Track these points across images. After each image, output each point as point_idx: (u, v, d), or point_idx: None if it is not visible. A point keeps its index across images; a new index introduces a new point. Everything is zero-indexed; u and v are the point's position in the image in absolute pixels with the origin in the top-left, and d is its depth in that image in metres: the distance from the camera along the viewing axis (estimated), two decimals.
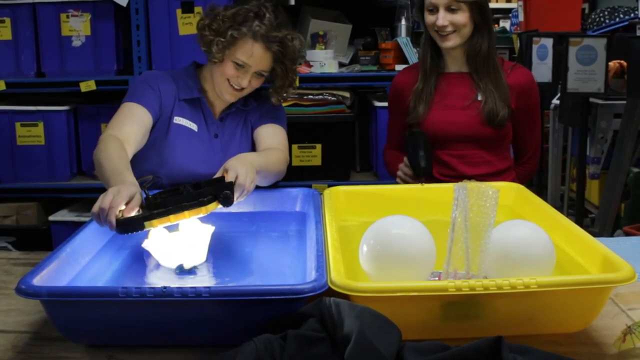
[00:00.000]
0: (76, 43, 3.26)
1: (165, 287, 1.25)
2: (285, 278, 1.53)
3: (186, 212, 1.53)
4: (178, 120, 2.05)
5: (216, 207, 1.57)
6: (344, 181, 3.38)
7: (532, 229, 1.43)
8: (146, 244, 1.58)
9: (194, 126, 2.07)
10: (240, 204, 1.92)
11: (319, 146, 3.35)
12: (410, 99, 2.27)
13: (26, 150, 3.33)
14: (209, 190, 1.56)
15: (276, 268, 1.60)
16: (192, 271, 1.55)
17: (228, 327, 1.30)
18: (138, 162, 1.94)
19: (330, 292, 1.26)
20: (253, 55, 1.95)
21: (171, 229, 1.61)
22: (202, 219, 1.64)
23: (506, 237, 1.41)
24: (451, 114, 2.22)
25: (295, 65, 2.06)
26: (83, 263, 1.58)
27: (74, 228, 1.68)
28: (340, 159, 3.39)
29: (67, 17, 3.24)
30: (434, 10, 2.16)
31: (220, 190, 1.56)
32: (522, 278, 1.26)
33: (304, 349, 1.15)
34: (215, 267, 1.60)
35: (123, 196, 1.50)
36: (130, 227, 1.49)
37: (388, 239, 1.39)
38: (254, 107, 2.14)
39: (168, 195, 1.63)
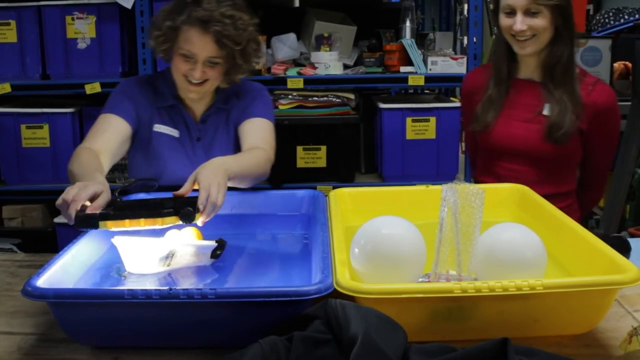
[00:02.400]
0: (81, 45, 3.27)
1: (171, 289, 1.25)
2: (290, 280, 1.53)
3: (142, 220, 1.52)
4: (158, 128, 2.04)
5: (175, 222, 1.54)
6: (349, 183, 3.38)
7: (523, 232, 1.42)
8: (116, 241, 1.57)
9: (175, 132, 2.06)
10: (245, 207, 1.93)
11: (323, 148, 3.35)
12: (479, 104, 2.14)
13: (31, 153, 3.34)
14: (172, 203, 1.54)
15: (282, 270, 1.61)
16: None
17: (234, 328, 1.30)
18: (135, 175, 1.95)
19: (335, 294, 1.26)
20: (193, 42, 1.89)
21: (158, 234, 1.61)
22: (204, 232, 1.68)
23: (497, 239, 1.40)
24: (513, 125, 2.08)
25: (242, 46, 1.93)
26: (88, 264, 1.58)
27: (79, 230, 1.68)
28: (345, 160, 3.39)
29: (72, 19, 3.25)
30: (512, 12, 1.99)
31: (182, 206, 1.53)
32: (527, 280, 1.25)
33: (309, 350, 1.15)
34: (221, 269, 1.60)
35: (88, 192, 1.50)
36: (85, 223, 1.50)
37: (378, 239, 1.39)
38: (235, 103, 2.10)
39: (138, 202, 1.63)
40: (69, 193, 1.49)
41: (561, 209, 2.05)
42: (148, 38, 2.01)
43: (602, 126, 2.07)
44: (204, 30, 1.89)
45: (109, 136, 1.93)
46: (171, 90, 2.05)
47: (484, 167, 2.20)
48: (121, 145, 1.96)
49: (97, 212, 1.50)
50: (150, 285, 1.51)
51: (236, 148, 2.09)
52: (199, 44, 1.90)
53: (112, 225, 1.51)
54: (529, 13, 1.97)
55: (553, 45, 2.02)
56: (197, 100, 2.06)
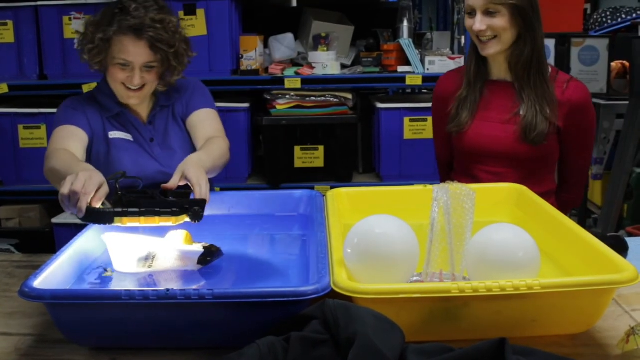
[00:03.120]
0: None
1: (168, 290, 1.25)
2: (288, 280, 1.53)
3: (157, 218, 1.53)
4: (113, 134, 2.05)
5: (184, 220, 1.56)
6: (347, 183, 3.38)
7: (516, 233, 1.41)
8: (106, 237, 1.57)
9: (129, 136, 2.07)
10: (243, 207, 1.93)
11: (321, 148, 3.35)
12: (452, 105, 2.14)
13: (29, 153, 3.33)
14: (182, 202, 1.56)
15: (279, 270, 1.60)
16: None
17: (231, 329, 1.30)
18: None
19: (333, 294, 1.26)
20: (129, 50, 1.91)
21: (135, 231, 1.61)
22: (202, 232, 1.69)
23: (489, 240, 1.39)
24: (489, 127, 2.08)
25: (175, 48, 1.96)
26: (86, 265, 1.58)
27: (77, 230, 1.68)
28: (342, 160, 3.39)
29: (70, 19, 3.24)
30: (472, 13, 2.01)
31: (192, 205, 1.55)
32: (525, 280, 1.26)
33: (307, 351, 1.15)
34: (218, 269, 1.60)
35: (94, 183, 1.49)
36: (100, 219, 1.49)
37: (371, 237, 1.38)
38: (176, 98, 2.13)
39: (139, 196, 1.62)
40: (77, 185, 1.47)
41: None
42: (80, 53, 2.01)
43: (578, 123, 2.07)
44: (138, 38, 1.90)
45: (75, 142, 1.93)
46: (113, 99, 2.06)
47: (462, 170, 2.19)
48: (84, 153, 1.96)
49: (111, 208, 1.50)
50: (130, 285, 1.52)
51: (189, 140, 2.12)
52: (134, 52, 1.91)
53: (127, 221, 1.51)
54: (488, 13, 1.98)
55: (515, 44, 2.02)
56: (140, 104, 2.08)
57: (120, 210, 1.50)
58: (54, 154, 1.83)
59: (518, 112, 2.05)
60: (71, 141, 1.93)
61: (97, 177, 1.52)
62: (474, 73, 2.11)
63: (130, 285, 1.51)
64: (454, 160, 2.27)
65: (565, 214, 2.12)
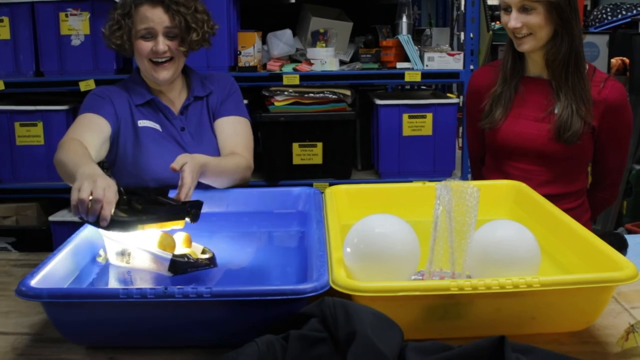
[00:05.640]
0: (75, 42, 3.25)
1: (166, 288, 1.24)
2: (287, 278, 1.53)
3: (169, 223, 1.56)
4: (142, 122, 2.06)
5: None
6: (345, 179, 3.37)
7: (517, 229, 1.41)
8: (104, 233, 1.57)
9: (157, 126, 2.08)
10: (241, 204, 1.93)
11: (320, 144, 3.34)
12: (486, 101, 2.12)
13: (26, 150, 3.32)
14: (186, 204, 1.61)
15: (278, 268, 1.60)
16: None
17: (229, 327, 1.29)
18: (116, 178, 1.96)
19: (331, 292, 1.25)
20: (147, 17, 1.99)
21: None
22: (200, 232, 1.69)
23: (490, 237, 1.39)
24: (522, 124, 2.06)
25: (191, 9, 2.02)
26: (83, 264, 1.58)
27: (74, 228, 1.67)
28: (341, 157, 3.38)
29: (66, 16, 3.23)
30: (508, 9, 1.99)
31: (192, 207, 1.60)
32: (524, 277, 1.25)
33: (306, 349, 1.14)
34: (217, 267, 1.59)
35: (114, 191, 1.49)
36: (123, 227, 1.49)
37: (371, 237, 1.38)
38: (211, 90, 2.16)
39: (144, 199, 1.62)
40: (97, 192, 1.45)
41: (573, 208, 2.05)
42: (103, 34, 2.09)
43: (613, 123, 2.05)
44: (154, 4, 1.99)
45: (92, 133, 1.94)
46: (145, 87, 2.10)
47: (493, 166, 2.18)
48: (103, 144, 1.97)
49: (133, 217, 1.51)
50: (112, 277, 1.53)
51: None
52: (153, 17, 1.99)
53: (147, 228, 1.52)
54: (523, 10, 1.96)
55: (551, 41, 2.00)
56: (171, 89, 2.11)
57: (143, 217, 1.51)
58: (66, 143, 1.82)
59: (553, 110, 2.03)
60: (88, 132, 1.93)
61: (114, 185, 1.51)
62: (510, 69, 2.09)
63: (114, 279, 1.53)
64: (485, 155, 2.26)
65: (598, 213, 2.11)
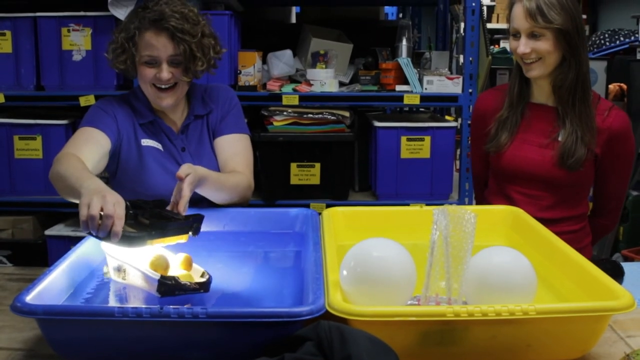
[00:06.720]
0: (76, 57, 3.27)
1: (162, 308, 1.24)
2: (282, 300, 1.52)
3: (176, 237, 1.57)
4: (146, 142, 2.06)
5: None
6: (343, 201, 3.38)
7: (513, 256, 1.41)
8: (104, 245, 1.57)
9: (159, 146, 2.07)
10: (238, 224, 1.93)
11: (318, 165, 3.35)
12: (492, 125, 2.14)
13: (24, 164, 3.32)
14: (189, 218, 1.62)
15: (273, 290, 1.59)
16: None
17: (224, 349, 1.28)
18: (115, 190, 1.95)
19: (327, 316, 1.25)
20: (152, 44, 1.95)
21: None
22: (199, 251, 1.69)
23: (487, 263, 1.39)
24: (527, 150, 2.08)
25: (197, 39, 1.98)
26: (79, 280, 1.57)
27: (70, 243, 1.68)
28: (339, 178, 3.39)
29: (68, 31, 3.24)
30: (517, 35, 2.01)
31: (194, 221, 1.62)
32: (520, 304, 1.25)
33: None
34: (212, 288, 1.58)
35: (122, 206, 1.48)
36: (133, 242, 1.49)
37: (368, 261, 1.37)
38: (212, 109, 2.14)
39: (146, 214, 1.61)
40: (108, 208, 1.45)
41: (574, 231, 2.06)
42: (106, 55, 2.06)
43: (617, 151, 2.07)
44: (159, 30, 1.94)
45: (91, 147, 1.92)
46: (147, 106, 2.08)
47: (497, 189, 2.19)
48: (101, 159, 1.96)
49: (142, 232, 1.51)
50: (111, 297, 1.52)
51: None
52: (158, 45, 1.95)
53: (156, 243, 1.53)
54: (532, 36, 1.98)
55: (559, 68, 2.01)
56: (173, 110, 2.09)
57: (152, 232, 1.51)
58: (64, 158, 1.81)
59: (557, 137, 2.04)
60: (87, 146, 1.92)
61: (121, 199, 1.50)
62: (517, 94, 2.11)
63: (110, 295, 1.53)
64: (488, 178, 2.27)
65: (599, 238, 2.11)
